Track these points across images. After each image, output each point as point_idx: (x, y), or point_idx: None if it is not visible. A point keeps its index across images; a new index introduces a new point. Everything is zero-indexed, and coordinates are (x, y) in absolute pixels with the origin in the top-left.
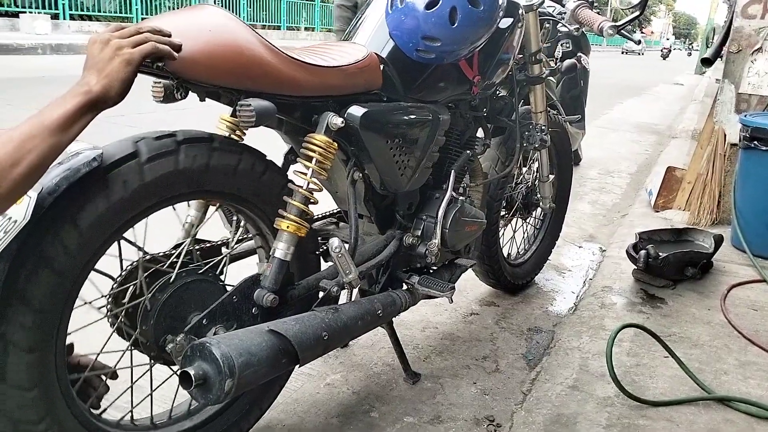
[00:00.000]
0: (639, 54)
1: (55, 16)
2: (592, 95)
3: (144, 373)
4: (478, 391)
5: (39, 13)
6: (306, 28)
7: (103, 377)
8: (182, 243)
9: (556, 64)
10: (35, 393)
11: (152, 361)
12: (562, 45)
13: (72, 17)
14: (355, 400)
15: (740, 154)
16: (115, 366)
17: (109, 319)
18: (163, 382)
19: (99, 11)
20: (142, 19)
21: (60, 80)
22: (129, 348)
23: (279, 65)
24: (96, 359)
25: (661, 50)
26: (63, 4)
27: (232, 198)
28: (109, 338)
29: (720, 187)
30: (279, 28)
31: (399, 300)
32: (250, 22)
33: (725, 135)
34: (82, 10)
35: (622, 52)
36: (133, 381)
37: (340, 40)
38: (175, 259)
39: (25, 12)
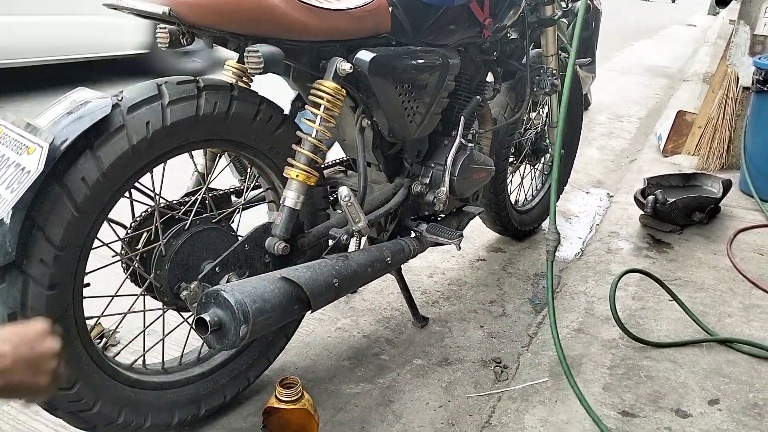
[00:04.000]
0: None
1: None
2: (602, 37)
3: (156, 319)
4: (485, 334)
5: None
6: None
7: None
8: (195, 191)
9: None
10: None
11: (165, 307)
12: None
13: None
14: (365, 344)
15: (753, 97)
16: (129, 310)
17: (123, 264)
18: (174, 328)
19: None
20: None
21: None
22: (142, 293)
23: (286, 9)
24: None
25: None
26: None
27: (247, 148)
28: (123, 282)
29: (730, 132)
30: None
31: (407, 247)
32: None
33: (738, 78)
34: None
35: None
36: (146, 326)
37: None
38: (189, 207)
39: None
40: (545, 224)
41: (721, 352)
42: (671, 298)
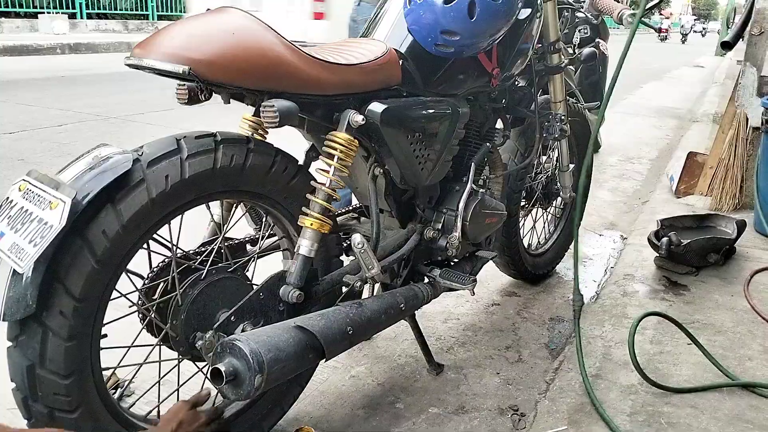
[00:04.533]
0: (662, 38)
1: (72, 16)
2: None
3: (171, 369)
4: (502, 381)
5: (57, 13)
6: None
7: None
8: (211, 241)
9: (574, 51)
10: (71, 380)
11: (180, 357)
12: (579, 31)
13: (89, 16)
14: (380, 392)
15: (763, 138)
16: (144, 361)
17: (140, 314)
18: (190, 378)
19: (115, 9)
20: (159, 17)
21: (81, 79)
22: (158, 343)
23: (301, 65)
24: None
25: (659, 32)
26: (80, 3)
27: (263, 198)
28: (139, 333)
29: (742, 172)
30: None
31: (421, 293)
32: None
33: (747, 119)
34: (98, 8)
35: (661, 39)
36: (161, 376)
37: (360, 36)
38: (206, 257)
39: (43, 12)
40: (559, 267)
41: (743, 396)
42: (690, 342)
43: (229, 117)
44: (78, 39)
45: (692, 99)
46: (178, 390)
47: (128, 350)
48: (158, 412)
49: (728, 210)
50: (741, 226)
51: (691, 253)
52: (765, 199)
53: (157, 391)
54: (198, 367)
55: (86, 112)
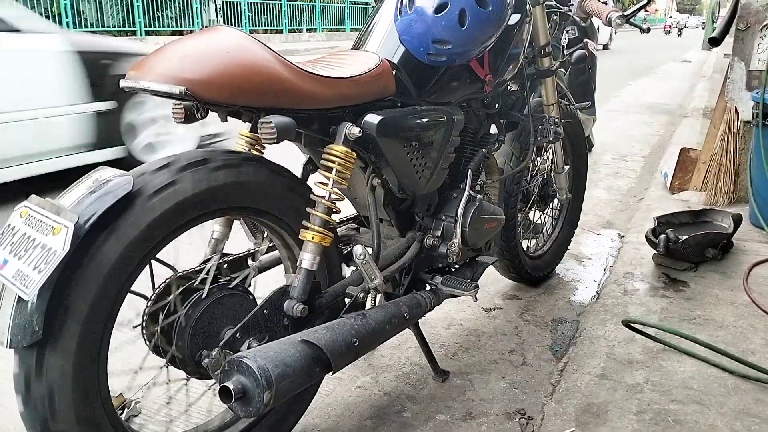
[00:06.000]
0: (666, 32)
1: None
2: (600, 78)
3: (180, 388)
4: (507, 385)
5: None
6: (308, 30)
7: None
8: (209, 258)
9: (563, 53)
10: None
11: (188, 377)
12: (567, 32)
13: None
14: (386, 401)
15: (754, 131)
16: (152, 380)
17: (145, 338)
18: (200, 397)
19: (102, 26)
20: (146, 33)
21: None
22: (166, 365)
23: (296, 81)
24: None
25: (664, 28)
26: (67, 22)
27: (263, 214)
28: (146, 356)
29: (735, 166)
30: (281, 32)
31: (424, 301)
32: (252, 28)
33: (738, 113)
34: (85, 26)
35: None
36: (170, 398)
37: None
38: (205, 275)
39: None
40: (559, 268)
41: (749, 391)
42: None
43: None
44: None
45: (681, 94)
46: (187, 410)
47: (137, 374)
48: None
49: (723, 204)
50: (737, 219)
51: (689, 249)
52: (759, 192)
53: (165, 411)
54: (207, 386)
55: None
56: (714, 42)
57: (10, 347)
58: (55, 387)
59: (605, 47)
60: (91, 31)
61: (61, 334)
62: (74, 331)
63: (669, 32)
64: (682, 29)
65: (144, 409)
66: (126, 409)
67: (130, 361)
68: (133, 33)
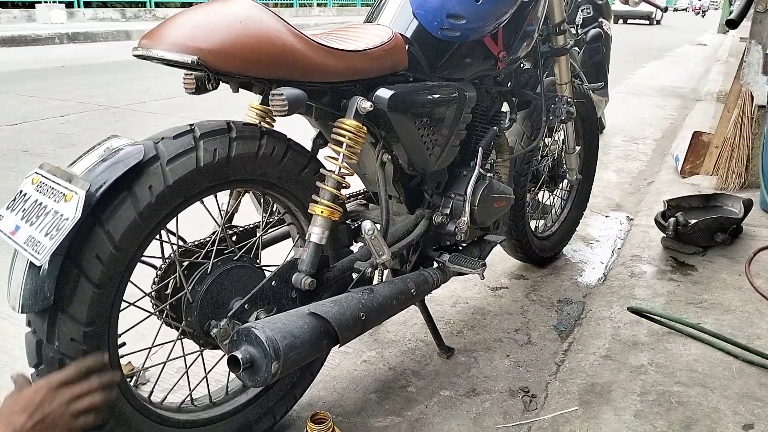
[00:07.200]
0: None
1: (69, 5)
2: (614, 59)
3: (195, 361)
4: (512, 363)
5: (54, 2)
6: (318, 4)
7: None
8: (215, 231)
9: (577, 32)
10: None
11: (202, 348)
12: (582, 11)
13: (87, 5)
14: (392, 376)
15: None
16: (168, 356)
17: (156, 314)
18: (215, 365)
19: None
20: (156, 4)
21: (80, 69)
22: (179, 338)
23: (309, 53)
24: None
25: (694, 10)
26: None
27: (273, 187)
28: (158, 331)
29: (748, 151)
30: (292, 5)
31: (431, 278)
32: (263, 1)
33: (752, 97)
34: None
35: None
36: (187, 368)
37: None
38: (209, 248)
39: (40, 2)
40: (566, 249)
41: (753, 375)
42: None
43: (228, 106)
44: (76, 28)
45: (695, 78)
46: (206, 378)
47: (150, 350)
48: (191, 399)
49: (734, 189)
50: (747, 205)
51: (698, 233)
52: None
53: (173, 380)
54: (224, 351)
55: (88, 102)
56: (731, 24)
57: (22, 312)
58: (65, 352)
59: (658, 22)
60: (102, 4)
61: (72, 300)
62: (85, 298)
63: (704, 14)
64: (705, 11)
65: (150, 376)
66: (134, 377)
67: (139, 331)
68: (143, 5)
